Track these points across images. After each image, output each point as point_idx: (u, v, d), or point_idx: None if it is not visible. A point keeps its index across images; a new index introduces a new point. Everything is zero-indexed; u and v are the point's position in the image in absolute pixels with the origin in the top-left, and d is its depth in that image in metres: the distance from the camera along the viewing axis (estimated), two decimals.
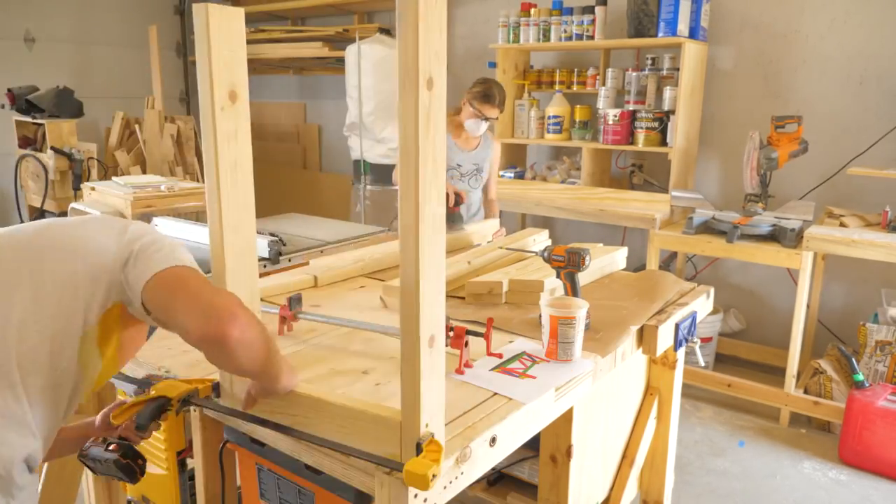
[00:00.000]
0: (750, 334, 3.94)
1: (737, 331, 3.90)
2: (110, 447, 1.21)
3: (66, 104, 4.76)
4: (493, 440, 1.24)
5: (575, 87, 4.23)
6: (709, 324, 3.61)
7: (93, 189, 3.89)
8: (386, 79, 4.60)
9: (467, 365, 1.46)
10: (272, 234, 2.47)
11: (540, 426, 1.41)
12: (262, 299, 1.79)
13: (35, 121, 4.81)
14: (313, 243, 2.64)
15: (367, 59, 4.60)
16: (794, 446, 3.06)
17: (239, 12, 1.15)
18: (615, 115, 3.86)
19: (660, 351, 1.82)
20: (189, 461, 1.57)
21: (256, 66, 5.89)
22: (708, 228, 3.31)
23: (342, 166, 5.69)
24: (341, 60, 5.09)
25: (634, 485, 2.10)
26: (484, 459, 1.22)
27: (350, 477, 1.19)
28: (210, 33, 1.10)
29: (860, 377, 2.92)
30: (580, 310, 1.50)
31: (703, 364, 2.28)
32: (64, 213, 4.20)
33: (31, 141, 5.03)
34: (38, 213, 4.78)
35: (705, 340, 3.66)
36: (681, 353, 2.08)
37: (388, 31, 4.94)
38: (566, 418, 1.58)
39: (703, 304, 2.11)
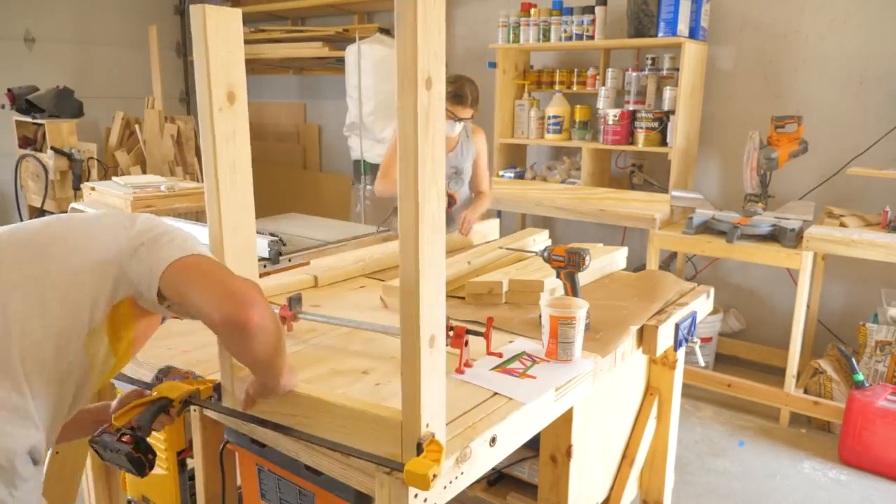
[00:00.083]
0: (750, 334, 3.94)
1: (737, 331, 3.90)
2: (123, 438, 1.21)
3: (66, 104, 4.76)
4: (493, 440, 1.24)
5: (575, 87, 4.23)
6: (709, 324, 3.61)
7: (93, 189, 3.89)
8: (386, 79, 4.59)
9: (467, 365, 1.46)
10: (272, 234, 2.47)
11: (540, 426, 1.41)
12: None
13: (35, 121, 4.81)
14: (313, 243, 2.64)
15: (367, 59, 4.60)
16: (794, 446, 3.06)
17: (236, 13, 1.15)
18: (615, 115, 3.86)
19: (660, 351, 1.82)
20: (189, 461, 1.57)
21: (256, 66, 5.89)
22: (708, 228, 3.31)
23: (342, 166, 5.69)
24: (341, 60, 5.09)
25: (634, 485, 2.10)
26: (484, 459, 1.22)
27: (350, 477, 1.20)
28: (207, 34, 1.11)
29: (860, 377, 2.92)
30: (580, 310, 1.51)
31: (703, 364, 2.28)
32: (64, 213, 4.20)
33: (31, 141, 5.03)
34: (38, 213, 4.78)
35: (705, 340, 3.66)
36: (681, 353, 2.08)
37: (387, 31, 4.94)
38: (566, 418, 1.59)
39: (703, 304, 2.11)
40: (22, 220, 4.89)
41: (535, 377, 1.44)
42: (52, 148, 4.62)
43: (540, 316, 1.55)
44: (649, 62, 3.93)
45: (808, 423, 3.24)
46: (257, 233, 1.28)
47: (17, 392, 1.05)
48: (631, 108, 3.90)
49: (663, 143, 3.78)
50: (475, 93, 2.92)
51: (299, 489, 1.38)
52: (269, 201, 5.43)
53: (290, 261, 2.45)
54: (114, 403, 1.36)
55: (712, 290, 2.19)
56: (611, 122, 3.88)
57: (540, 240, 2.53)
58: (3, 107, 4.94)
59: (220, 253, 1.21)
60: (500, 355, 1.55)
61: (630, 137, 3.89)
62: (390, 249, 2.48)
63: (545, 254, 1.75)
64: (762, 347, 3.83)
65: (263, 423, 1.26)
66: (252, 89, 1.29)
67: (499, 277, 2.01)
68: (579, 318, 1.50)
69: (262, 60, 5.74)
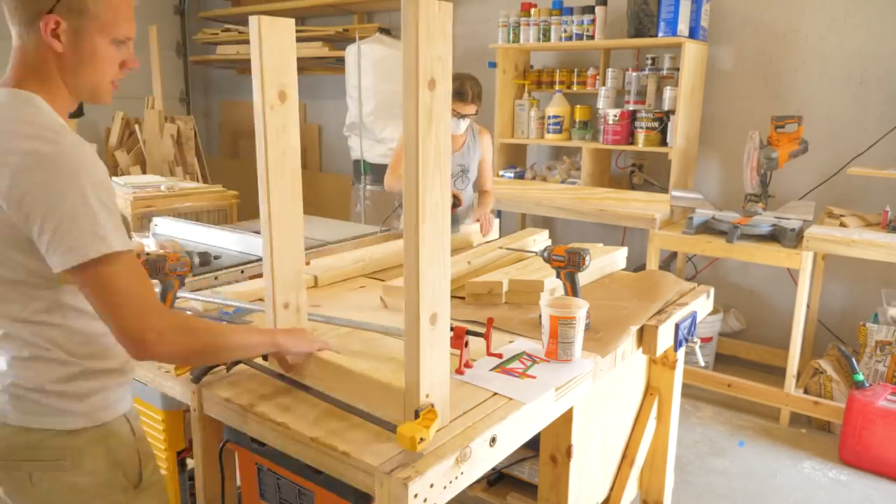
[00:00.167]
0: (750, 334, 3.94)
1: (737, 331, 3.90)
2: None
3: None
4: (493, 440, 1.24)
5: (575, 87, 4.23)
6: (709, 324, 3.61)
7: None
8: (386, 79, 4.59)
9: (467, 365, 1.46)
10: None
11: (540, 426, 1.41)
12: (261, 299, 1.79)
13: None
14: (313, 243, 2.64)
15: (367, 59, 4.60)
16: (795, 446, 3.06)
17: (290, 24, 1.31)
18: (615, 115, 3.86)
19: (660, 351, 1.82)
20: (189, 461, 1.57)
21: None
22: (708, 228, 3.31)
23: (342, 166, 5.68)
24: (341, 60, 5.09)
25: (634, 485, 2.10)
26: (484, 459, 1.22)
27: (350, 477, 1.19)
28: (262, 41, 1.26)
29: (860, 377, 2.92)
30: (580, 310, 1.51)
31: (703, 364, 2.28)
32: None
33: None
34: None
35: (705, 340, 3.66)
36: (681, 353, 2.08)
37: (388, 31, 4.94)
38: (566, 418, 1.59)
39: (703, 304, 2.11)
40: None
41: (534, 377, 1.44)
42: None
43: (540, 316, 1.55)
44: (649, 62, 3.93)
45: (808, 423, 3.24)
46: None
47: None
48: (631, 108, 3.90)
49: (663, 143, 3.78)
50: (476, 89, 2.95)
51: (299, 488, 1.37)
52: None
53: None
54: None
55: (712, 290, 2.19)
56: (611, 122, 3.88)
57: (540, 240, 2.53)
58: None
59: (268, 236, 1.36)
60: (500, 355, 1.55)
61: (630, 137, 3.89)
62: (390, 249, 2.48)
63: (545, 254, 1.75)
64: (762, 347, 3.83)
65: (294, 382, 1.39)
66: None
67: (499, 277, 2.01)
68: (579, 318, 1.50)
69: None
